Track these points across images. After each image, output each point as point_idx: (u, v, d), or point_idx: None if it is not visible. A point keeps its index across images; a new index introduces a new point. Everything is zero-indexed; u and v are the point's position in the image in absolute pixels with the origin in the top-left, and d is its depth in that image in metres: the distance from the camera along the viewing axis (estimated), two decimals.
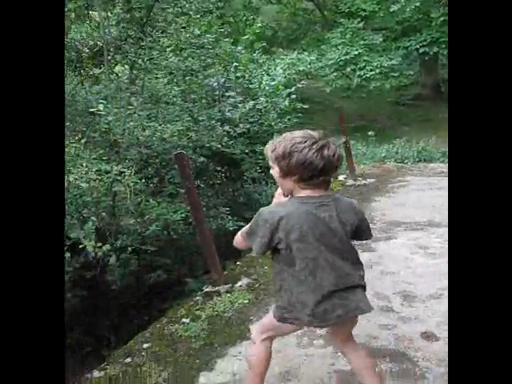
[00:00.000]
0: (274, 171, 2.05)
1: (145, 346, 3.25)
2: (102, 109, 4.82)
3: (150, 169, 5.86)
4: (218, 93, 7.03)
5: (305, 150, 1.94)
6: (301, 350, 2.99)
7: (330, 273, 2.03)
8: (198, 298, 3.89)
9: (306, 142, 1.95)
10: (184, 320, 3.53)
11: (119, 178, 4.50)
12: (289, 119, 7.69)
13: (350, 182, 7.92)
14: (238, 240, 2.18)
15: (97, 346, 5.15)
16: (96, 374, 3.00)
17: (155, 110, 5.90)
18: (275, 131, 7.38)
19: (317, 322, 2.07)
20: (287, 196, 2.10)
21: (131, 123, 4.99)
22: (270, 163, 2.06)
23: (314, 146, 1.94)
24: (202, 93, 6.83)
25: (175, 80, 6.64)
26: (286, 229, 1.97)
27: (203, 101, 6.71)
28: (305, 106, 8.30)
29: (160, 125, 5.36)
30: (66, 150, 4.79)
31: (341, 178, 8.24)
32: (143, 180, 5.27)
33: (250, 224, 2.10)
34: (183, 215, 4.81)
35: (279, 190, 2.17)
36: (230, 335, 3.26)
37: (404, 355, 2.89)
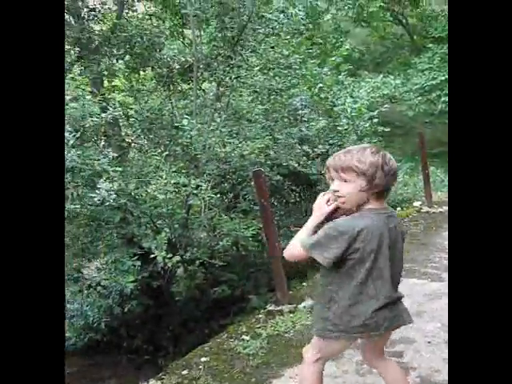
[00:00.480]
0: (353, 185, 2.03)
1: (203, 359, 3.33)
2: (186, 124, 5.03)
3: (226, 184, 6.01)
4: (300, 112, 7.11)
5: (390, 162, 2.02)
6: (359, 377, 2.96)
7: (389, 283, 2.07)
8: (260, 315, 3.93)
9: (378, 153, 2.02)
10: (244, 337, 3.58)
11: (196, 191, 4.65)
12: (369, 142, 7.62)
13: (426, 208, 7.69)
14: (296, 251, 2.14)
15: (155, 355, 5.31)
16: (152, 382, 3.11)
17: (237, 127, 6.07)
18: None
19: (367, 331, 2.09)
20: (355, 210, 2.08)
21: (213, 139, 5.17)
22: (348, 177, 2.03)
23: (387, 157, 2.02)
24: (285, 112, 6.93)
25: (259, 98, 6.80)
26: (366, 240, 2.00)
27: (285, 120, 6.81)
28: (386, 130, 8.19)
29: (240, 142, 5.51)
30: (148, 161, 5.04)
31: (416, 204, 8.03)
32: (218, 195, 5.42)
33: (316, 237, 2.08)
34: (254, 232, 4.89)
35: (319, 202, 2.17)
36: (288, 356, 3.27)
37: None
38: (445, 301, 4.05)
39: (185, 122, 4.95)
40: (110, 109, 4.81)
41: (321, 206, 2.17)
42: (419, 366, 3.05)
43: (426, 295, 4.21)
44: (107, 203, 3.92)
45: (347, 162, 2.03)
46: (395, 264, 2.10)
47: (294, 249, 2.15)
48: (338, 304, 2.10)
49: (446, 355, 3.18)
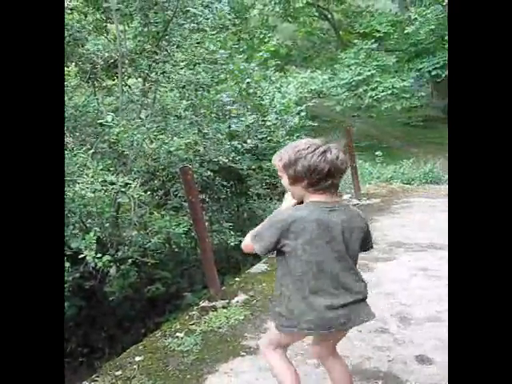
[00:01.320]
0: (284, 180, 2.15)
1: (137, 358, 3.28)
2: (109, 120, 4.89)
3: (155, 181, 5.92)
4: (228, 108, 7.11)
5: (308, 156, 2.02)
6: None
7: (334, 279, 2.08)
8: (193, 312, 3.91)
9: (308, 148, 2.05)
10: (178, 334, 3.55)
11: (124, 189, 4.55)
12: (298, 136, 7.74)
13: (355, 201, 7.93)
14: (247, 242, 2.19)
15: (90, 357, 5.18)
16: None
17: (164, 122, 5.98)
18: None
19: (318, 329, 2.09)
20: (300, 202, 2.16)
21: (139, 135, 5.06)
22: (279, 173, 2.15)
23: (317, 151, 2.03)
24: (212, 108, 6.91)
25: (186, 94, 6.73)
26: (296, 231, 2.03)
27: (213, 115, 6.79)
28: (314, 124, 8.36)
29: (168, 138, 5.43)
30: (73, 159, 4.87)
31: (345, 197, 8.25)
32: (148, 192, 5.33)
33: (260, 225, 2.15)
34: (186, 229, 4.85)
35: (289, 193, 2.22)
36: (222, 351, 3.28)
37: (397, 378, 2.89)
38: (373, 290, 4.18)
39: (109, 118, 4.81)
40: None
41: (287, 196, 2.24)
42: (351, 354, 3.13)
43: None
44: None
45: (274, 161, 2.17)
46: (344, 259, 2.10)
47: (245, 240, 2.19)
48: (287, 298, 2.12)
49: (375, 343, 3.30)
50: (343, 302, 2.09)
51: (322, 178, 2.04)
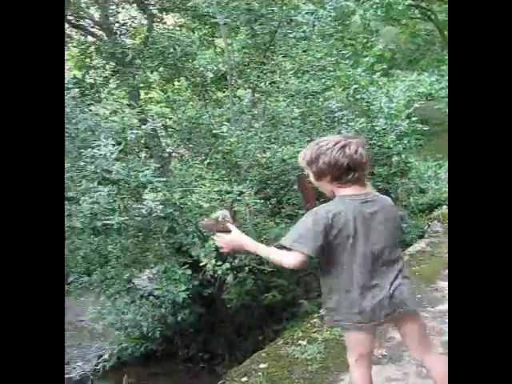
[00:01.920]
0: (311, 178, 2.19)
1: (261, 366, 3.29)
2: (225, 131, 5.01)
3: (268, 190, 5.97)
4: (337, 114, 7.03)
5: (328, 152, 2.08)
6: (420, 380, 2.86)
7: (378, 270, 2.08)
8: (314, 320, 3.87)
9: (328, 144, 2.10)
10: (301, 342, 3.53)
11: (239, 197, 4.63)
12: (408, 141, 7.49)
13: None
14: (284, 256, 2.08)
15: (210, 362, 5.30)
16: None
17: (275, 132, 6.03)
18: (394, 153, 7.22)
19: (365, 320, 2.10)
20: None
21: (252, 145, 5.14)
22: (306, 171, 2.21)
23: (336, 147, 2.07)
24: (321, 115, 6.87)
25: (295, 102, 6.75)
26: (338, 226, 2.03)
27: (323, 122, 6.75)
28: (425, 128, 8.03)
29: (280, 146, 5.47)
30: (189, 170, 5.04)
31: None
32: (262, 201, 5.38)
33: (293, 231, 2.10)
34: None
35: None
36: (347, 361, 3.20)
37: None
38: None
39: (224, 128, 4.93)
40: (150, 120, 4.85)
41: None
42: None
43: None
44: (154, 214, 3.93)
45: (299, 159, 2.24)
46: (383, 250, 2.11)
47: (280, 255, 2.10)
48: (336, 292, 2.14)
49: None
50: (386, 291, 2.10)
51: (344, 172, 2.07)
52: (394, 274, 2.14)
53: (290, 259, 2.06)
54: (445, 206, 7.79)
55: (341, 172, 2.08)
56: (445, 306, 3.87)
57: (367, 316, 2.10)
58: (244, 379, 3.14)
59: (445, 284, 4.33)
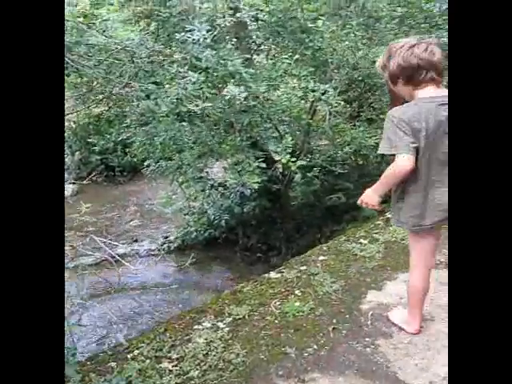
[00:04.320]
0: (388, 82, 2.23)
1: (320, 258, 3.49)
2: (320, 25, 4.88)
3: (352, 92, 5.88)
4: (437, 19, 6.60)
5: (397, 53, 2.12)
6: None
7: (443, 174, 2.11)
8: (379, 222, 3.98)
9: (398, 46, 2.13)
10: (362, 241, 3.67)
11: (323, 97, 4.61)
12: None
13: None
14: (393, 166, 2.12)
15: (267, 254, 5.59)
16: (272, 274, 3.33)
17: (370, 32, 5.79)
18: None
19: (425, 222, 2.21)
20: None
21: (346, 43, 5.01)
22: (385, 79, 2.26)
23: (405, 47, 2.10)
24: (421, 18, 6.47)
25: (397, 1, 6.37)
26: (414, 127, 2.07)
27: (421, 25, 6.38)
28: None
29: (372, 48, 5.29)
30: (277, 65, 5.01)
31: None
32: (343, 103, 5.34)
33: (383, 138, 2.16)
34: (377, 141, 4.81)
35: None
36: (404, 261, 3.32)
37: None
38: None
39: (319, 23, 4.81)
40: (244, 8, 4.79)
41: None
42: None
43: None
44: (237, 103, 4.02)
45: (376, 66, 2.32)
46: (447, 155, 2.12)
47: (390, 169, 2.15)
48: (403, 195, 2.24)
49: None
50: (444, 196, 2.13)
51: (415, 72, 2.09)
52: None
53: (400, 164, 2.10)
54: None
55: (411, 72, 2.10)
56: None
57: (426, 219, 2.20)
58: (303, 268, 3.36)
59: None
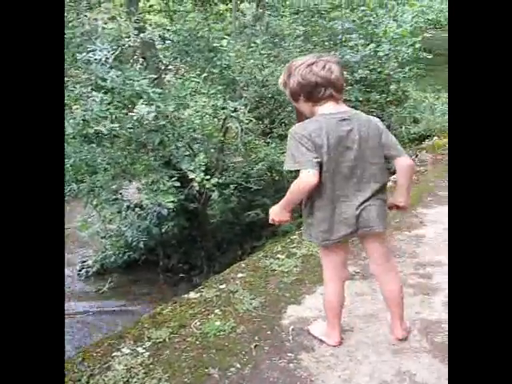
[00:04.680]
0: (290, 99, 2.27)
1: (239, 275, 3.46)
2: (224, 44, 4.95)
3: (263, 109, 5.97)
4: (340, 37, 6.90)
5: (296, 71, 2.14)
6: None
7: (347, 188, 2.18)
8: (295, 236, 4.02)
9: (297, 64, 2.16)
10: (279, 256, 3.69)
11: (233, 114, 4.65)
12: (410, 69, 7.39)
13: None
14: (298, 181, 2.13)
15: (189, 273, 5.52)
16: (192, 295, 3.26)
17: (276, 50, 5.94)
18: (393, 80, 7.16)
19: (332, 237, 2.25)
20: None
21: (251, 61, 5.09)
22: (286, 94, 2.28)
23: (303, 65, 2.13)
24: (324, 36, 6.74)
25: (300, 20, 6.60)
26: (316, 143, 2.10)
27: (325, 43, 6.64)
28: (428, 56, 7.89)
29: (279, 65, 5.42)
30: (185, 84, 5.01)
31: None
32: (254, 120, 5.41)
33: (286, 155, 2.17)
34: None
35: None
36: (321, 275, 3.37)
37: None
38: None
39: (224, 42, 4.87)
40: (149, 29, 4.77)
41: None
42: (447, 287, 3.10)
43: None
44: (145, 123, 3.97)
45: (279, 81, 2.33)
46: (357, 169, 2.17)
47: (295, 184, 2.15)
48: (311, 209, 2.26)
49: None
50: (362, 204, 2.20)
51: (314, 89, 2.12)
52: (367, 194, 2.21)
53: (304, 179, 2.10)
54: (435, 137, 7.80)
55: (310, 89, 2.13)
56: (420, 231, 4.03)
57: (333, 233, 2.23)
58: (222, 286, 3.32)
59: (424, 210, 4.48)
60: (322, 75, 2.11)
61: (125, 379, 2.43)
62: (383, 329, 2.68)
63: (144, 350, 2.68)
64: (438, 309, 2.87)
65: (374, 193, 2.23)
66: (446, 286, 3.10)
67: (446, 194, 4.96)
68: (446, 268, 3.36)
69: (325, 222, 2.22)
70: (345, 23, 6.96)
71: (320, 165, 2.10)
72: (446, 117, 9.14)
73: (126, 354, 2.64)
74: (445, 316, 2.77)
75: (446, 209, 4.44)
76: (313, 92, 2.13)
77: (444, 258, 3.52)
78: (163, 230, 5.40)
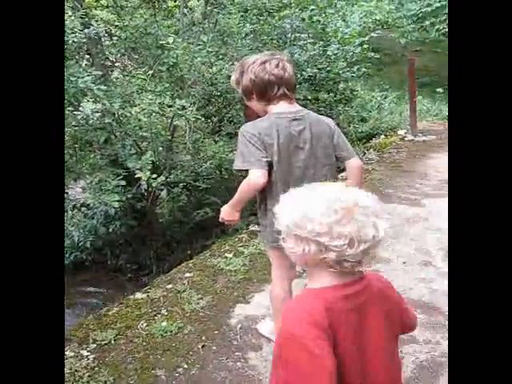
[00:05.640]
0: (243, 97, 2.26)
1: (187, 275, 3.45)
2: (171, 42, 4.88)
3: (211, 107, 5.94)
4: (289, 35, 6.94)
5: (249, 69, 2.13)
6: None
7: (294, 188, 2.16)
8: (242, 235, 4.04)
9: (250, 62, 2.15)
10: (227, 255, 3.70)
11: (181, 112, 4.60)
12: (358, 69, 7.52)
13: (410, 137, 7.77)
14: (247, 181, 2.09)
15: (138, 273, 5.45)
16: (138, 295, 3.23)
17: (224, 47, 5.92)
18: (342, 79, 7.27)
19: (276, 238, 2.19)
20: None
21: (199, 59, 5.04)
22: (238, 91, 2.26)
23: (257, 63, 2.12)
24: (274, 34, 6.76)
25: (248, 19, 6.59)
26: (266, 142, 2.09)
27: (274, 42, 6.66)
28: (376, 56, 8.06)
29: (227, 63, 5.39)
30: (132, 81, 4.93)
31: (400, 132, 8.09)
32: (203, 118, 5.37)
33: (236, 154, 2.14)
34: None
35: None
36: (269, 273, 3.39)
37: (436, 308, 2.93)
38: (422, 225, 4.22)
39: (170, 40, 4.81)
40: (94, 24, 4.66)
41: None
42: (394, 283, 3.17)
43: (405, 219, 4.34)
44: (91, 121, 3.88)
45: (231, 81, 2.32)
46: (314, 166, 2.17)
47: (244, 183, 2.12)
48: (264, 210, 2.23)
49: (418, 275, 3.34)
50: None
51: (267, 88, 2.11)
52: None
53: (253, 179, 2.06)
54: (382, 136, 8.01)
55: (264, 88, 2.12)
56: None
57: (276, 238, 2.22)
58: (169, 286, 3.30)
59: None
60: (276, 73, 2.10)
61: (69, 383, 2.39)
62: None
63: (89, 353, 2.64)
64: None
65: None
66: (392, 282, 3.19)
67: (391, 191, 5.10)
68: (392, 264, 3.47)
69: (272, 223, 2.20)
70: (294, 22, 7.00)
71: (270, 164, 2.09)
72: (393, 116, 9.42)
73: (71, 357, 2.60)
74: None
75: (391, 206, 4.62)
76: (266, 90, 2.12)
77: (390, 254, 3.62)
78: (110, 230, 5.30)
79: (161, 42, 5.04)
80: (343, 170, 2.40)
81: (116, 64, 5.95)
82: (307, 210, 1.26)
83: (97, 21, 5.90)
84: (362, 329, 1.31)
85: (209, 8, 6.19)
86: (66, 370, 2.47)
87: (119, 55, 5.67)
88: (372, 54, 7.97)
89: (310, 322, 1.21)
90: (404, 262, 3.49)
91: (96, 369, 2.50)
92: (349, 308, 1.29)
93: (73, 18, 4.95)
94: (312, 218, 1.24)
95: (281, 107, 2.15)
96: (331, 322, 1.23)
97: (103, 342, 2.72)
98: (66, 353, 2.63)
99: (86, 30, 4.56)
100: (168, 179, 4.82)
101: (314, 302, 1.28)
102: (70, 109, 4.27)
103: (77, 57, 5.16)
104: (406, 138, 7.72)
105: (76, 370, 2.48)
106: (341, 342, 1.25)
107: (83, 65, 5.34)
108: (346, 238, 1.21)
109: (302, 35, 6.97)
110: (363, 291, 1.34)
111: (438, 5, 14.28)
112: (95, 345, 2.70)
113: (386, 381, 1.37)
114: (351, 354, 1.28)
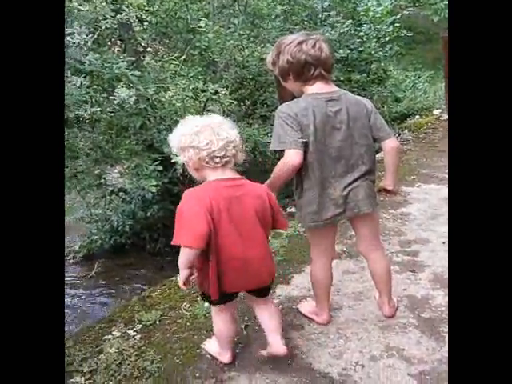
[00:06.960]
0: (279, 78, 2.24)
1: None
2: (202, 25, 4.88)
3: (244, 90, 5.92)
4: (320, 16, 6.86)
5: (286, 49, 2.11)
6: None
7: (335, 169, 2.15)
8: None
9: (286, 42, 2.12)
10: None
11: (214, 96, 4.60)
12: (390, 48, 7.40)
13: (445, 116, 7.60)
14: (282, 161, 2.09)
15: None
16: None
17: (255, 30, 5.89)
18: (374, 59, 7.16)
19: (320, 219, 2.22)
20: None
21: (231, 42, 5.03)
22: (275, 73, 2.25)
23: (293, 43, 2.10)
24: (304, 15, 6.70)
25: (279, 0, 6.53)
26: (303, 123, 2.07)
27: (305, 22, 6.60)
28: (409, 34, 7.89)
29: (259, 45, 5.38)
30: (165, 66, 4.94)
31: (436, 112, 7.93)
32: (236, 102, 5.35)
33: (273, 135, 2.13)
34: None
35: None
36: (308, 254, 3.39)
37: None
38: None
39: (202, 23, 4.80)
40: (126, 10, 4.67)
41: None
42: (433, 264, 3.14)
43: (442, 199, 4.26)
44: (126, 106, 3.91)
45: (266, 60, 2.30)
46: (344, 151, 2.14)
47: (280, 165, 2.11)
48: (301, 191, 2.22)
49: None
50: (350, 185, 2.18)
51: (304, 68, 2.09)
52: (354, 176, 2.19)
53: (288, 160, 2.06)
54: (417, 116, 7.87)
55: (300, 68, 2.10)
56: (405, 209, 4.07)
57: (321, 215, 2.20)
58: None
59: (407, 189, 4.53)
60: (312, 54, 2.08)
61: (117, 361, 2.43)
62: (371, 306, 2.71)
63: (135, 333, 2.68)
64: (424, 285, 2.90)
65: (363, 174, 2.21)
66: (431, 262, 3.15)
67: (428, 171, 5.02)
68: (431, 245, 3.42)
69: (313, 203, 2.19)
70: (325, 1, 6.91)
71: (306, 145, 2.08)
72: (428, 95, 9.25)
73: (118, 337, 2.64)
74: (431, 292, 2.81)
75: (429, 187, 4.56)
76: (303, 71, 2.10)
77: (429, 235, 3.57)
78: (148, 214, 5.36)
79: (192, 26, 5.04)
80: (378, 150, 2.37)
81: (148, 49, 5.97)
82: (183, 130, 1.94)
83: (127, 6, 5.93)
84: (240, 215, 1.92)
85: None
86: (114, 350, 2.52)
87: (150, 40, 5.69)
88: (404, 32, 7.82)
89: (197, 199, 1.90)
90: (443, 242, 3.44)
91: (143, 348, 2.54)
92: (228, 196, 1.90)
93: (104, 4, 4.98)
94: (186, 133, 1.92)
95: (317, 88, 2.13)
96: (213, 205, 1.87)
97: (148, 323, 2.76)
98: (114, 333, 2.68)
99: (118, 16, 4.58)
100: None
101: (202, 189, 1.93)
102: (104, 95, 4.33)
103: (109, 43, 5.21)
104: (442, 118, 7.57)
105: (124, 349, 2.52)
106: (221, 221, 1.89)
107: (115, 51, 5.39)
108: (207, 140, 1.87)
109: (331, 13, 6.88)
110: (241, 187, 1.95)
111: None
112: (141, 325, 2.75)
113: (261, 254, 2.02)
114: (230, 233, 1.91)
